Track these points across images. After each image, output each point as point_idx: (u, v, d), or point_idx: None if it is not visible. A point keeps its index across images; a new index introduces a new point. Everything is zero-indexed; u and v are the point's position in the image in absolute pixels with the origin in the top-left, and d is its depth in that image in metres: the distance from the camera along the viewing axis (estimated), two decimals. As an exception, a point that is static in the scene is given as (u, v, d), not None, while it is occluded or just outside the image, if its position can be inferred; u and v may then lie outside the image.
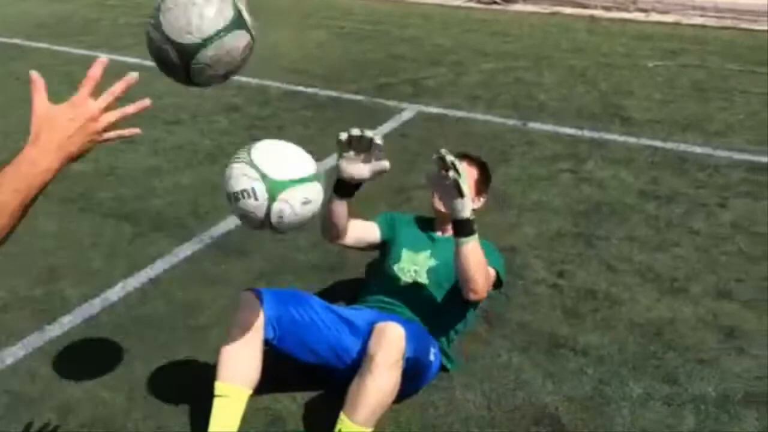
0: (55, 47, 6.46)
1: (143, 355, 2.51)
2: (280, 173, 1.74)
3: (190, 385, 2.34)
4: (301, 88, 5.22)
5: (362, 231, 2.54)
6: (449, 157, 2.14)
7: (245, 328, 2.09)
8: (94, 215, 3.53)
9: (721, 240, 3.16)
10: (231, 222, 3.38)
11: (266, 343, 2.14)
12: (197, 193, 3.74)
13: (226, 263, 3.08)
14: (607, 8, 7.11)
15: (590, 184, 3.71)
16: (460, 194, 2.17)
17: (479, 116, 4.63)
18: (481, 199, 2.63)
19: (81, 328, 2.69)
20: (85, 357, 2.54)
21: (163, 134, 4.47)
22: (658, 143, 4.16)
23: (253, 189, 1.73)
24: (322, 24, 7.07)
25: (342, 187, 2.26)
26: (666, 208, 3.45)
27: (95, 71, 1.19)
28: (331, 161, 3.23)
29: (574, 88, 5.13)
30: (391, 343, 1.96)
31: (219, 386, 2.05)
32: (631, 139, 4.23)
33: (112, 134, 1.21)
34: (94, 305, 2.81)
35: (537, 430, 2.18)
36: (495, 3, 7.52)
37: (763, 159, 3.90)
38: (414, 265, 2.48)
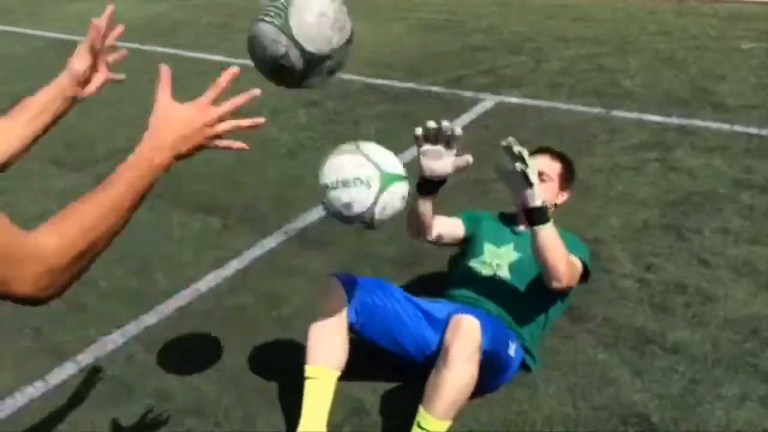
0: (144, 47, 6.70)
1: (232, 344, 2.59)
2: (390, 168, 1.83)
3: (276, 373, 2.41)
4: (378, 81, 5.24)
5: (446, 227, 2.54)
6: (516, 147, 2.11)
7: (331, 312, 2.13)
8: (184, 209, 3.66)
9: (824, 232, 2.98)
10: (312, 215, 3.44)
11: (349, 327, 2.17)
12: (280, 187, 3.82)
13: (307, 255, 3.13)
14: (696, -11, 6.80)
15: (679, 174, 3.57)
16: (528, 184, 2.14)
17: (561, 105, 4.52)
18: (565, 194, 2.59)
19: (174, 317, 2.80)
20: (178, 345, 2.64)
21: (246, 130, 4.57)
22: (753, 130, 3.95)
23: (368, 177, 1.80)
24: (398, 16, 7.06)
25: (425, 185, 2.23)
26: (762, 197, 3.28)
27: (224, 79, 1.21)
28: (408, 155, 3.27)
29: (661, 73, 4.93)
30: (466, 335, 1.95)
31: (309, 369, 2.10)
32: (724, 126, 4.04)
33: (222, 143, 1.23)
34: (186, 295, 2.92)
35: (625, 429, 2.12)
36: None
37: None
38: (496, 259, 2.46)
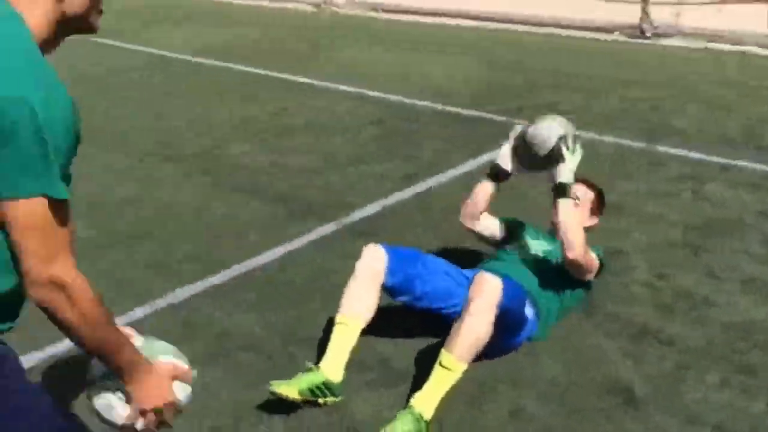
0: (237, 67, 7.38)
1: (281, 305, 3.03)
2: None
3: (315, 327, 2.82)
4: (445, 108, 5.68)
5: (492, 222, 3.03)
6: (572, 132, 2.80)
7: (366, 273, 2.55)
8: (255, 200, 4.16)
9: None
10: (364, 212, 3.88)
11: (384, 289, 2.57)
12: (340, 187, 4.27)
13: (356, 243, 3.52)
14: (763, 45, 6.97)
15: (711, 203, 3.82)
16: (562, 159, 2.65)
17: (608, 139, 4.82)
18: (595, 219, 3.02)
19: (235, 281, 3.27)
20: (238, 301, 3.09)
21: (317, 141, 5.08)
22: (789, 171, 4.15)
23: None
24: (472, 53, 7.52)
25: (497, 173, 2.86)
26: (785, 229, 3.49)
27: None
28: (461, 169, 3.94)
29: (714, 117, 5.16)
30: (488, 290, 2.32)
31: (339, 317, 2.51)
32: (763, 167, 4.25)
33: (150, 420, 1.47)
34: (249, 265, 3.39)
35: (609, 398, 2.42)
36: (645, 37, 7.60)
37: None
38: (530, 245, 2.89)
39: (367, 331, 2.61)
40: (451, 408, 2.38)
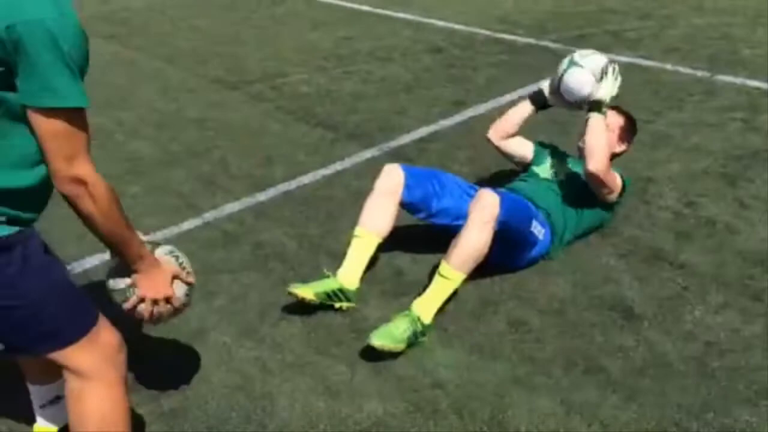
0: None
1: (316, 220, 3.25)
2: None
3: (344, 243, 3.02)
4: (503, 36, 5.65)
5: (522, 143, 3.15)
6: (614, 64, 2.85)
7: (384, 190, 2.72)
8: (308, 124, 4.36)
9: None
10: (408, 137, 4.02)
11: (402, 206, 2.74)
12: (389, 113, 4.41)
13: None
14: None
15: (757, 133, 3.73)
16: (602, 78, 2.78)
17: (668, 66, 4.71)
18: (624, 145, 3.03)
19: (279, 198, 3.52)
20: (277, 216, 3.34)
21: (374, 68, 5.21)
22: None
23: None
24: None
25: (538, 100, 3.01)
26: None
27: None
28: (510, 97, 4.07)
29: (786, 45, 4.92)
30: (485, 205, 2.45)
31: (357, 230, 2.71)
32: (827, 97, 4.07)
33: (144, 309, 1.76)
34: (291, 184, 3.63)
35: (609, 314, 2.52)
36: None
37: None
38: (554, 168, 2.98)
39: (385, 246, 2.81)
40: (455, 318, 2.56)
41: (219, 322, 2.62)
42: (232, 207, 3.46)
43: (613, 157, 2.99)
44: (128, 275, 1.73)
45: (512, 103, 4.26)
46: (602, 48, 5.11)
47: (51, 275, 1.60)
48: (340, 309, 2.62)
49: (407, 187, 2.74)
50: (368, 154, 3.91)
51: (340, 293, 2.61)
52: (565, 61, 2.89)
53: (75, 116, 1.49)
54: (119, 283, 1.75)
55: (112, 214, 1.57)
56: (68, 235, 2.70)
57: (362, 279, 2.71)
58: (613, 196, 2.88)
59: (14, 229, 1.55)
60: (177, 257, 1.87)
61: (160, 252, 1.83)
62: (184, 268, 1.86)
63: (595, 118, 2.78)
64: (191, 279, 1.86)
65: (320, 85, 4.95)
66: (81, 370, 1.62)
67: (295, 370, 2.37)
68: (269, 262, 2.98)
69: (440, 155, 3.79)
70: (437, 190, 2.77)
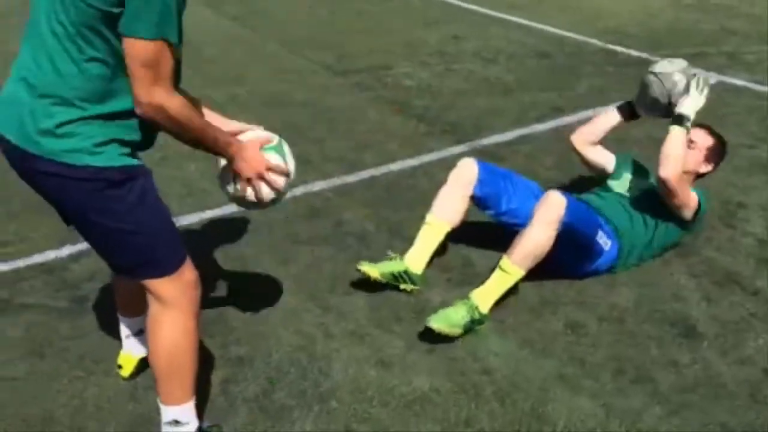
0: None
1: (398, 208, 3.39)
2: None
3: (416, 228, 3.15)
4: (614, 47, 5.57)
5: (603, 152, 3.16)
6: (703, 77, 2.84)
7: (457, 182, 2.83)
8: (405, 116, 4.51)
9: None
10: (500, 138, 4.09)
11: (473, 199, 2.84)
12: (485, 112, 4.49)
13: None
14: None
15: None
16: (687, 92, 2.77)
17: (783, 93, 4.52)
18: (710, 166, 2.98)
19: (365, 182, 3.69)
20: (363, 198, 3.50)
21: (478, 68, 5.29)
22: None
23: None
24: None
25: (628, 109, 3.02)
26: None
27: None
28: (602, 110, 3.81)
29: None
30: (550, 205, 2.52)
31: (427, 218, 2.83)
32: None
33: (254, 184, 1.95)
34: (380, 170, 3.79)
35: (670, 329, 2.52)
36: None
37: None
38: (630, 183, 2.98)
39: (457, 238, 2.92)
40: (514, 312, 2.64)
41: (292, 286, 2.82)
42: (321, 185, 3.66)
43: (697, 176, 2.98)
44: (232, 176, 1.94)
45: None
46: (717, 69, 5.01)
47: (161, 213, 1.84)
48: (405, 290, 2.76)
49: (480, 181, 2.83)
50: (458, 149, 4.01)
51: (406, 275, 2.74)
52: (654, 68, 2.89)
53: (162, 48, 1.64)
54: (228, 184, 1.97)
55: (192, 124, 1.75)
56: (172, 194, 2.98)
57: (430, 265, 2.83)
58: (688, 213, 2.83)
59: (135, 162, 1.78)
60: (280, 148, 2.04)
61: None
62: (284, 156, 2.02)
63: (675, 129, 2.76)
64: (276, 141, 2.02)
65: (422, 79, 5.09)
66: (164, 297, 1.84)
67: (355, 339, 2.52)
68: (347, 239, 3.15)
69: (527, 157, 3.84)
70: (509, 190, 2.84)
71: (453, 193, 2.85)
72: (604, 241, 2.72)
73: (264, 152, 1.97)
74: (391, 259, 2.79)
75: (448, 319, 2.46)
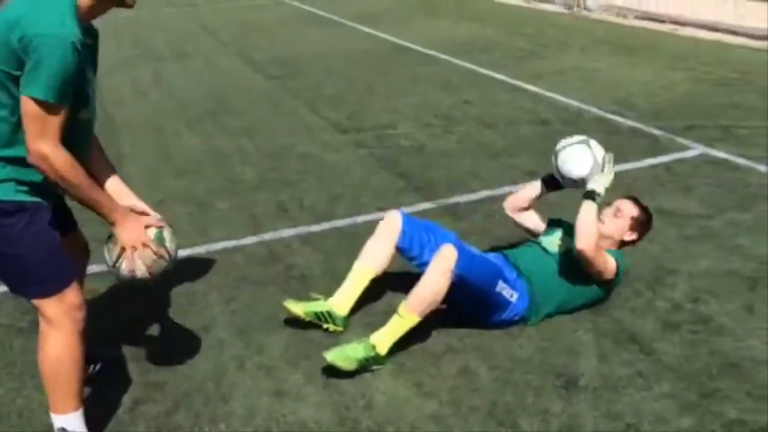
0: (456, 61, 8.04)
1: (352, 253, 3.65)
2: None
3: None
4: (611, 117, 5.74)
5: (534, 217, 3.39)
6: (609, 155, 3.06)
7: (384, 232, 3.09)
8: (388, 173, 4.82)
9: None
10: (467, 197, 4.34)
11: (398, 249, 3.09)
12: (464, 173, 4.74)
13: (444, 220, 4.03)
14: None
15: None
16: (601, 170, 3.00)
17: (762, 168, 4.56)
18: (634, 235, 3.18)
19: (330, 231, 4.00)
20: (321, 246, 3.81)
21: (474, 131, 5.57)
22: None
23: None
24: (682, 66, 7.24)
25: (552, 181, 3.24)
26: None
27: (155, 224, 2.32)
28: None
29: None
30: (442, 256, 2.75)
31: (355, 264, 3.09)
32: None
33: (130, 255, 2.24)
34: (345, 222, 4.10)
35: (553, 381, 2.66)
36: None
37: None
38: (559, 241, 3.16)
39: (382, 285, 3.17)
40: (415, 357, 2.85)
41: (226, 322, 3.13)
42: (289, 232, 4.00)
43: (623, 244, 3.14)
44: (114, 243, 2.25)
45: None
46: (706, 141, 5.11)
47: (47, 241, 2.18)
48: (327, 330, 3.01)
49: (403, 233, 3.08)
50: (425, 206, 4.27)
51: (328, 315, 3.00)
52: (567, 142, 3.10)
53: (48, 107, 1.97)
54: (110, 250, 2.27)
55: (74, 180, 2.06)
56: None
57: (355, 310, 3.09)
58: (607, 276, 3.00)
59: (30, 198, 2.12)
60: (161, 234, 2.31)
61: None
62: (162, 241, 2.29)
63: (586, 204, 2.94)
64: (161, 224, 2.31)
65: (418, 139, 5.41)
66: (48, 316, 2.18)
67: (262, 372, 2.80)
68: (291, 282, 3.45)
69: (485, 215, 4.06)
70: (431, 241, 3.08)
71: (379, 243, 3.11)
72: (507, 292, 2.91)
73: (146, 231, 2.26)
74: (316, 299, 3.06)
75: (344, 354, 2.70)
